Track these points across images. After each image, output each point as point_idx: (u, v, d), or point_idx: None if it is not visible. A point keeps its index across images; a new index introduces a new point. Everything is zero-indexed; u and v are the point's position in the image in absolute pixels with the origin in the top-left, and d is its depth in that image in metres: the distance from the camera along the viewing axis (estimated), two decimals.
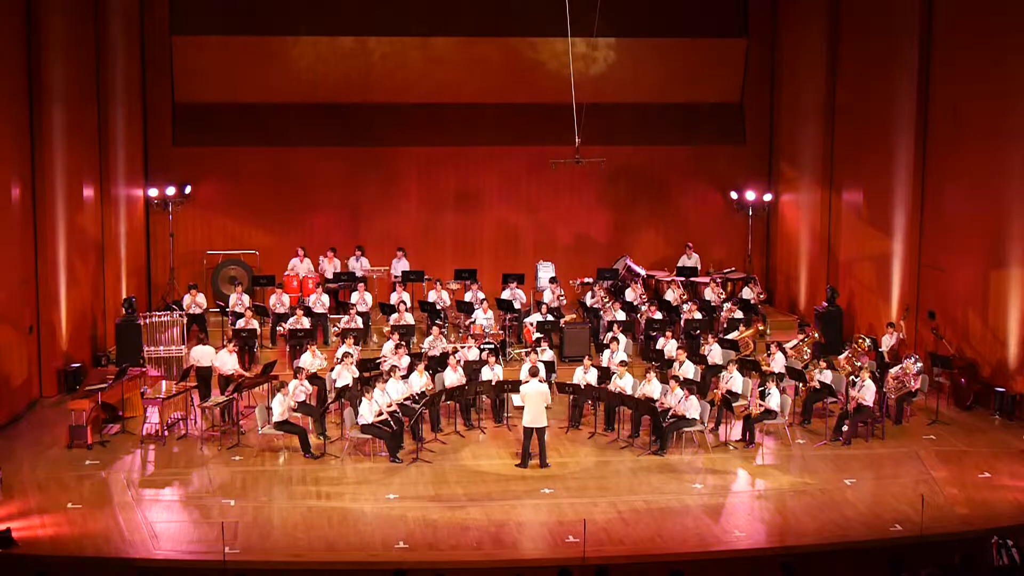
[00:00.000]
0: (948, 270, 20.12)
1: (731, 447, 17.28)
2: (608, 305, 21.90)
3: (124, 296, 22.17)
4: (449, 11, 24.83)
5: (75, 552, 13.35)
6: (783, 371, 18.73)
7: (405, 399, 17.14)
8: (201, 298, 21.93)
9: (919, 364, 18.57)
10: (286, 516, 14.48)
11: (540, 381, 16.65)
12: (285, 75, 24.76)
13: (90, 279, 21.48)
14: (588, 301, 22.64)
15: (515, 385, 17.37)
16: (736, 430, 17.58)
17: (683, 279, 23.79)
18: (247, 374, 18.82)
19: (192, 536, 13.96)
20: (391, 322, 20.88)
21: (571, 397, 18.23)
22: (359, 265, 23.82)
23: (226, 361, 18.44)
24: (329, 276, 23.31)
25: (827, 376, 18.32)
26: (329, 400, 18.13)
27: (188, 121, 24.78)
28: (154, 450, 17.06)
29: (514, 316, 22.06)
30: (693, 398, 16.96)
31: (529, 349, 19.04)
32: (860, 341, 20.02)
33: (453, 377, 18.04)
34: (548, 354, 19.14)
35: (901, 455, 16.89)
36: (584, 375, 18.15)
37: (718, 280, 23.48)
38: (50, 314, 19.69)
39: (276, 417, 16.64)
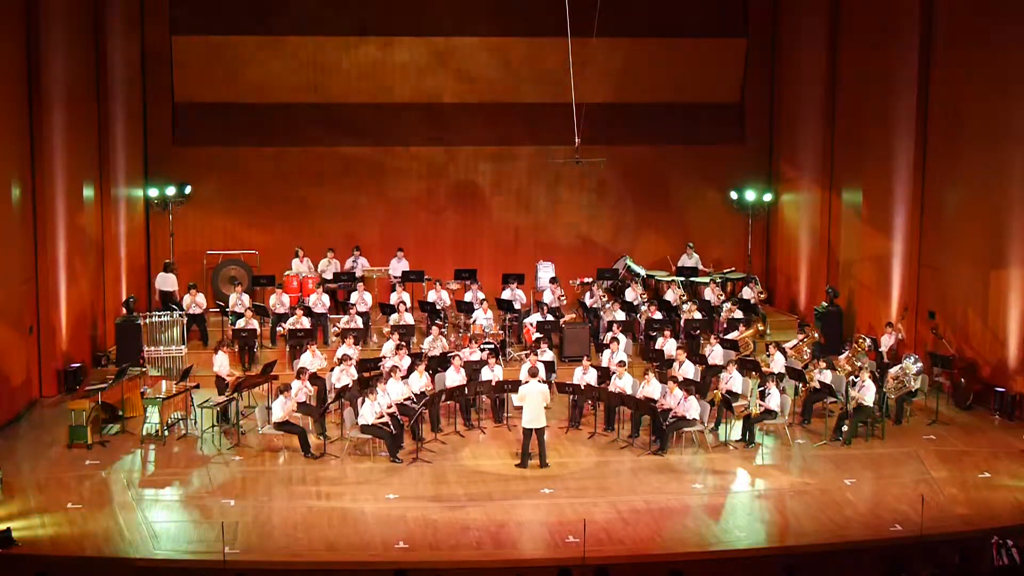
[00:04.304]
0: (948, 270, 20.12)
1: (731, 447, 17.28)
2: (608, 305, 21.90)
3: (124, 296, 22.18)
4: (449, 11, 24.84)
5: (75, 552, 13.35)
6: (783, 371, 18.73)
7: (405, 399, 17.15)
8: (201, 298, 21.94)
9: (919, 364, 18.58)
10: (286, 516, 14.48)
11: (540, 381, 16.66)
12: (285, 75, 24.77)
13: (90, 279, 21.48)
14: (588, 301, 22.64)
15: (515, 385, 17.37)
16: (736, 430, 17.58)
17: (683, 279, 23.78)
18: (241, 375, 18.76)
19: (192, 536, 13.96)
20: (391, 322, 20.89)
21: (571, 397, 18.24)
22: (358, 265, 23.82)
23: (223, 363, 18.41)
24: (328, 276, 23.30)
25: (827, 376, 18.32)
26: (329, 400, 18.13)
27: (188, 121, 24.78)
28: (154, 450, 17.07)
29: (514, 316, 22.06)
30: (693, 398, 16.96)
31: (529, 350, 19.04)
32: (860, 341, 20.02)
33: (456, 378, 18.03)
34: (548, 354, 19.14)
35: (901, 455, 16.90)
36: (584, 375, 18.15)
37: (717, 280, 23.48)
38: (50, 314, 19.69)
39: (276, 418, 16.64)
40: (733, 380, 18.04)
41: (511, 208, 25.96)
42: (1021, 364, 18.36)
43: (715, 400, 17.57)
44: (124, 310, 21.32)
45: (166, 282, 22.99)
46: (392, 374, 17.36)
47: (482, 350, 19.21)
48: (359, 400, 16.77)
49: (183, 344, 20.83)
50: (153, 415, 17.38)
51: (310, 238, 24.62)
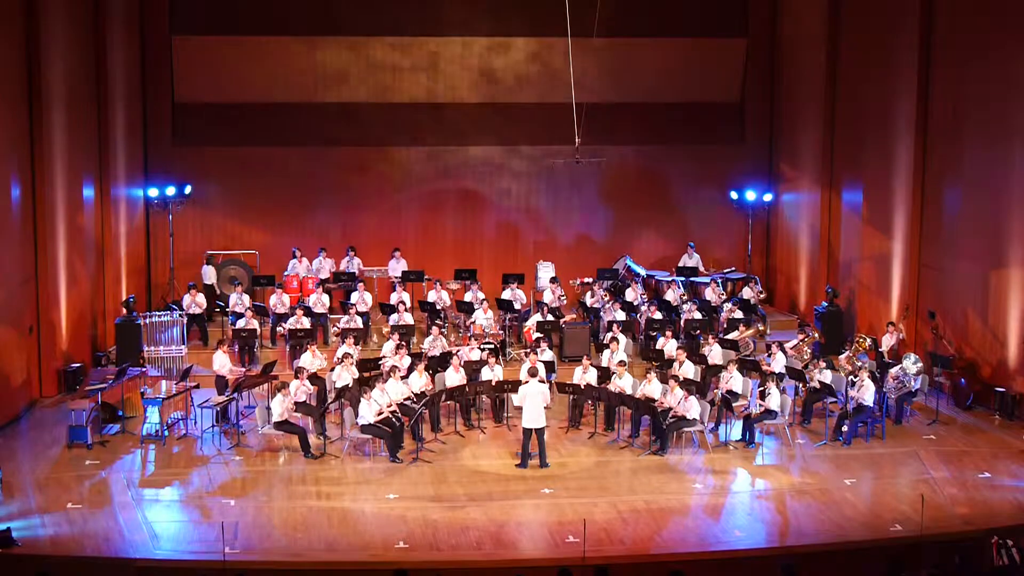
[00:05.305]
0: (948, 270, 20.12)
1: (731, 447, 17.28)
2: (608, 305, 21.90)
3: (124, 296, 22.18)
4: (448, 11, 24.86)
5: (75, 552, 13.35)
6: (783, 371, 18.73)
7: (405, 399, 17.15)
8: (201, 298, 21.94)
9: (919, 364, 18.58)
10: (286, 516, 14.48)
11: (540, 381, 16.66)
12: (285, 75, 24.78)
13: (90, 279, 21.48)
14: (589, 301, 22.64)
15: (515, 385, 17.37)
16: (736, 430, 17.58)
17: (683, 279, 23.78)
18: (244, 373, 18.80)
19: (192, 536, 13.96)
20: (391, 322, 20.89)
21: (571, 397, 18.23)
22: (352, 265, 23.80)
23: (223, 362, 18.41)
24: (324, 276, 23.31)
25: (827, 376, 18.32)
26: (329, 400, 18.13)
27: (188, 121, 24.78)
28: (154, 450, 17.07)
29: (514, 316, 22.06)
30: (693, 398, 16.96)
31: (529, 349, 19.04)
32: (860, 340, 20.02)
33: (455, 378, 18.03)
34: (548, 354, 19.14)
35: (901, 455, 16.90)
36: (584, 375, 18.15)
37: (718, 280, 23.48)
38: (50, 314, 19.68)
39: (276, 417, 16.64)
40: (733, 380, 18.04)
41: (511, 208, 25.96)
42: (1021, 364, 18.36)
43: (715, 400, 17.57)
44: (124, 310, 21.31)
45: (207, 275, 23.49)
46: (392, 374, 17.36)
47: (482, 350, 19.21)
48: (359, 400, 16.77)
49: (183, 344, 20.83)
50: (153, 415, 17.38)
51: (310, 238, 24.64)
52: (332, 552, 13.45)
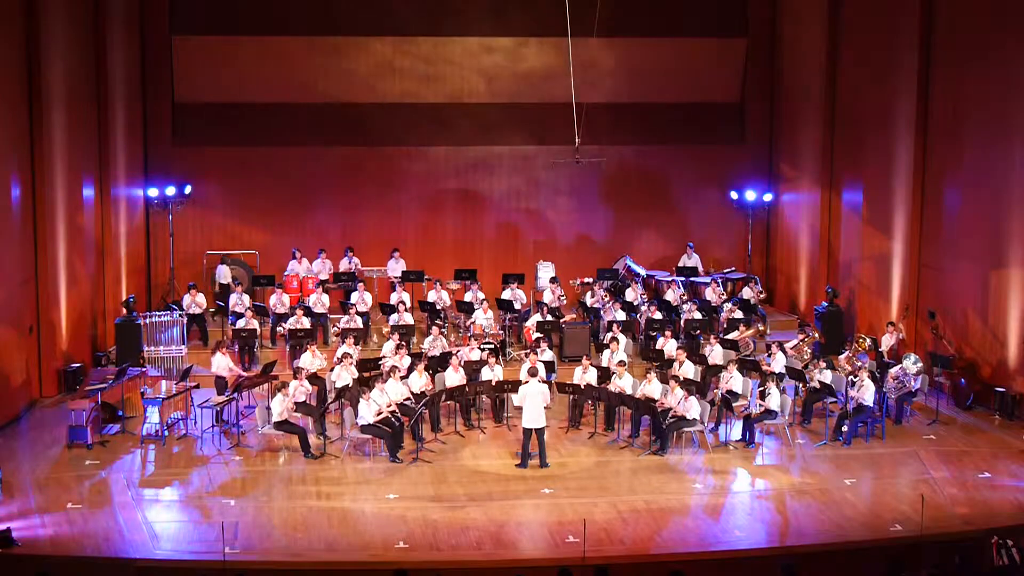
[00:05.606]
0: (948, 270, 20.12)
1: (731, 447, 17.28)
2: (608, 305, 21.90)
3: (124, 296, 22.18)
4: (449, 11, 24.87)
5: (75, 552, 13.35)
6: (783, 371, 18.73)
7: (405, 399, 17.15)
8: (201, 298, 21.94)
9: (919, 364, 18.58)
10: (286, 516, 14.49)
11: (540, 381, 16.66)
12: (285, 75, 24.78)
13: (90, 279, 21.49)
14: (589, 301, 22.64)
15: (515, 385, 17.37)
16: (736, 430, 17.58)
17: (683, 279, 23.78)
18: (245, 374, 18.81)
19: (192, 536, 13.96)
20: (391, 322, 20.89)
21: (571, 397, 18.23)
22: (351, 265, 23.79)
23: (221, 364, 18.39)
24: (324, 276, 23.31)
25: (827, 376, 18.32)
26: (329, 400, 18.14)
27: (188, 121, 24.79)
28: (154, 450, 17.07)
29: (514, 316, 22.06)
30: (693, 398, 16.96)
31: (529, 349, 19.04)
32: (860, 340, 20.02)
33: (455, 378, 18.04)
34: (548, 354, 19.14)
35: (901, 455, 16.90)
36: (584, 375, 18.15)
37: (719, 280, 23.49)
38: (50, 314, 19.69)
39: (276, 417, 16.64)
40: (733, 380, 18.05)
41: (511, 208, 25.96)
42: (1021, 364, 18.36)
43: (715, 400, 17.57)
44: (124, 310, 21.31)
45: (222, 275, 23.61)
46: (392, 374, 17.36)
47: (482, 350, 19.21)
48: (359, 400, 16.76)
49: (183, 344, 20.83)
50: (153, 415, 17.38)
51: (310, 238, 24.65)
52: (332, 552, 13.46)
